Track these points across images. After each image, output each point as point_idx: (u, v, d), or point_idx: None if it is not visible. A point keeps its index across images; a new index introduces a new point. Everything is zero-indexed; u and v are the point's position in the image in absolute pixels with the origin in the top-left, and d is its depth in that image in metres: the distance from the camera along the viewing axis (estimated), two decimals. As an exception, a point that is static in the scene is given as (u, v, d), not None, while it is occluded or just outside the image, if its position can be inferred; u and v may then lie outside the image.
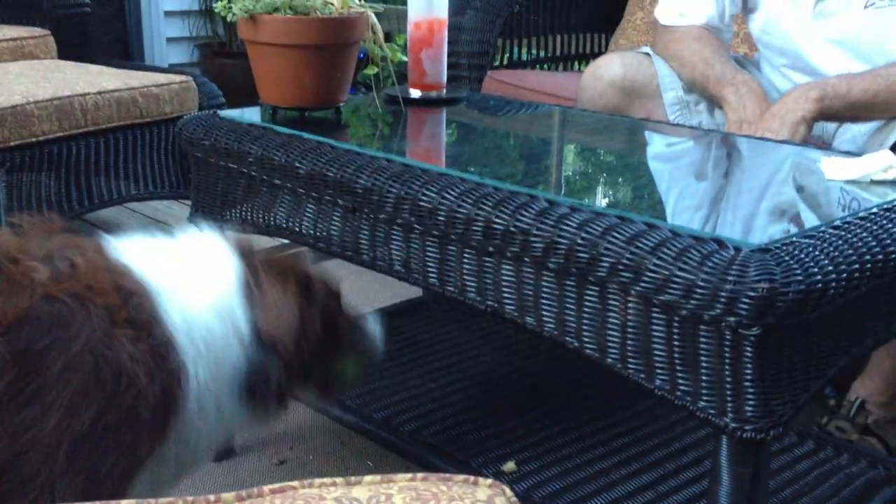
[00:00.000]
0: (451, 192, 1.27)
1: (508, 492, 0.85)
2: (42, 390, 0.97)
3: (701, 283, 1.01)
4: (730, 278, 1.00)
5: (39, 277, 1.00)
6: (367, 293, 2.64)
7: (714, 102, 1.99)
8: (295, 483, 0.83)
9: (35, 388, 0.97)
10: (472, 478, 0.86)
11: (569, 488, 1.42)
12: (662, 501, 1.39)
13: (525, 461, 1.48)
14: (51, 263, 1.02)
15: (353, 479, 0.84)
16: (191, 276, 1.14)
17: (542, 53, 2.90)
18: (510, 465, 1.47)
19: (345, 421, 1.68)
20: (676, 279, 1.03)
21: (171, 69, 3.11)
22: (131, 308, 1.04)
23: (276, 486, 0.83)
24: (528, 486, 1.41)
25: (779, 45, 2.07)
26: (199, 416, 1.12)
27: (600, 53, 2.89)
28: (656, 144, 1.80)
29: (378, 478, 0.84)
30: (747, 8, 2.12)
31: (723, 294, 1.00)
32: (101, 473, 1.03)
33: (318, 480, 0.84)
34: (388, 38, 4.03)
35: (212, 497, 0.81)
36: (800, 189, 1.46)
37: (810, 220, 1.28)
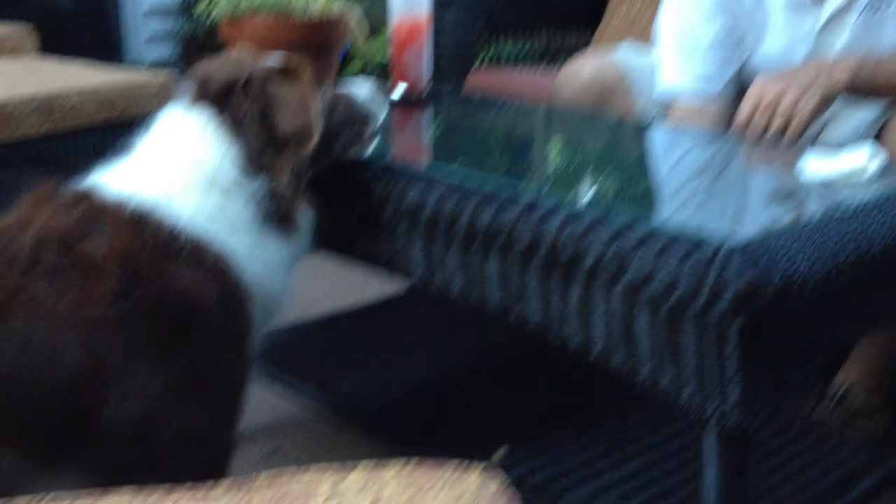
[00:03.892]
0: (435, 190, 1.29)
1: (500, 479, 0.87)
2: (145, 349, 1.08)
3: (683, 279, 1.04)
4: (711, 273, 1.02)
5: (102, 255, 1.09)
6: (352, 286, 2.65)
7: None
8: (287, 473, 0.85)
9: (139, 349, 1.08)
10: (463, 465, 0.87)
11: (559, 475, 1.44)
12: (651, 487, 1.41)
13: (515, 449, 1.50)
14: (95, 236, 1.10)
15: (344, 468, 0.86)
16: (172, 163, 1.21)
17: (524, 51, 2.92)
18: (501, 453, 1.48)
19: (334, 413, 1.69)
20: (659, 275, 1.05)
21: (152, 67, 3.11)
22: (158, 241, 1.13)
23: (270, 473, 0.85)
24: (519, 474, 1.43)
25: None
26: (264, 272, 1.23)
27: (585, 48, 2.90)
28: (639, 141, 1.82)
29: (370, 466, 0.86)
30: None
31: (705, 289, 1.02)
32: (220, 387, 1.18)
33: (312, 468, 0.85)
34: (372, 32, 4.04)
35: (206, 486, 0.83)
36: (780, 184, 1.48)
37: (790, 215, 1.30)
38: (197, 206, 1.18)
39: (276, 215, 1.23)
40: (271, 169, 1.22)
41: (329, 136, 1.33)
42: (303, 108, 1.23)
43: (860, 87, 1.76)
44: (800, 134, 1.70)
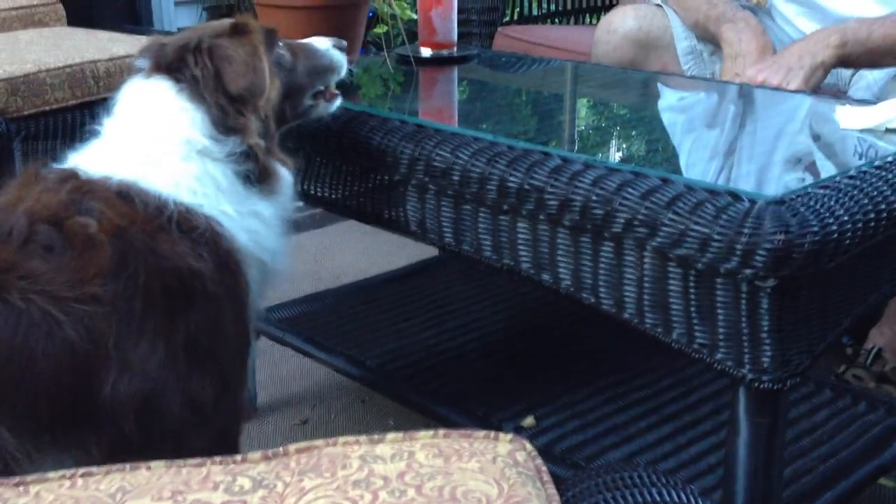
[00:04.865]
0: (465, 152, 1.27)
1: (528, 446, 0.87)
2: (143, 324, 1.08)
3: (717, 237, 1.02)
4: (745, 231, 1.00)
5: (93, 230, 1.08)
6: (382, 254, 2.65)
7: (714, 44, 1.98)
8: (319, 442, 0.85)
9: (136, 324, 1.07)
10: (493, 433, 0.87)
11: (588, 441, 1.43)
12: (681, 452, 1.40)
13: (544, 416, 1.50)
14: (86, 213, 1.10)
15: (376, 437, 0.86)
16: (144, 137, 1.20)
17: (552, 7, 2.88)
18: (529, 420, 1.48)
19: (365, 380, 1.70)
20: (692, 233, 1.03)
21: (181, 33, 3.10)
22: (146, 214, 1.12)
23: (301, 444, 0.85)
24: (547, 441, 1.43)
25: None
26: (255, 233, 1.22)
27: (611, 6, 2.87)
28: (670, 97, 1.79)
29: (401, 435, 0.86)
30: None
31: (739, 247, 1.00)
32: (222, 357, 1.17)
33: (341, 439, 0.85)
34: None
35: (238, 457, 0.83)
36: (814, 139, 1.45)
37: (825, 170, 1.27)
38: (177, 175, 1.16)
39: (255, 174, 1.22)
40: (238, 128, 1.21)
41: (294, 90, 1.31)
42: (249, 65, 1.21)
43: (853, 60, 1.80)
44: None
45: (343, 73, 1.39)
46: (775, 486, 1.13)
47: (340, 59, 1.38)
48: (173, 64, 1.21)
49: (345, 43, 1.40)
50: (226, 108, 1.20)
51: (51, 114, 2.40)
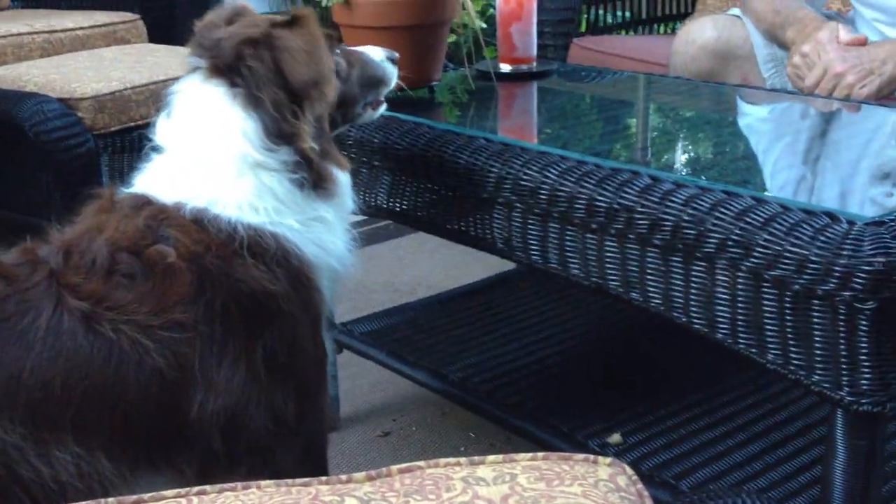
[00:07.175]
0: (553, 171, 1.28)
1: (629, 470, 0.87)
2: (224, 346, 1.11)
3: (814, 258, 1.01)
4: (844, 253, 0.99)
5: (171, 258, 1.10)
6: (457, 265, 2.67)
7: (785, 49, 1.97)
8: (421, 463, 0.86)
9: (218, 347, 1.10)
10: (591, 457, 0.87)
11: (675, 459, 1.42)
12: (771, 472, 1.38)
13: (629, 432, 1.49)
14: (163, 240, 1.12)
15: (476, 458, 0.87)
16: (203, 157, 1.18)
17: (626, 16, 2.87)
18: (616, 437, 1.47)
19: (448, 393, 1.71)
20: (788, 254, 1.03)
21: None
22: (219, 239, 1.13)
23: (403, 466, 0.86)
24: (634, 458, 1.42)
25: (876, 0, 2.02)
26: (322, 244, 1.22)
27: (685, 15, 2.84)
28: (755, 112, 1.77)
29: (500, 458, 0.87)
30: None
31: (837, 269, 0.99)
32: (302, 369, 1.19)
33: (443, 461, 0.87)
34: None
35: (343, 477, 0.85)
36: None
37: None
38: (238, 195, 1.16)
39: (310, 182, 1.20)
40: (291, 133, 1.18)
41: (348, 100, 1.31)
42: (312, 55, 1.18)
43: None
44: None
45: (392, 85, 1.38)
46: (873, 508, 1.12)
47: (392, 71, 1.37)
48: (232, 64, 1.17)
49: (397, 55, 1.40)
50: (281, 107, 1.17)
51: (135, 129, 2.46)
